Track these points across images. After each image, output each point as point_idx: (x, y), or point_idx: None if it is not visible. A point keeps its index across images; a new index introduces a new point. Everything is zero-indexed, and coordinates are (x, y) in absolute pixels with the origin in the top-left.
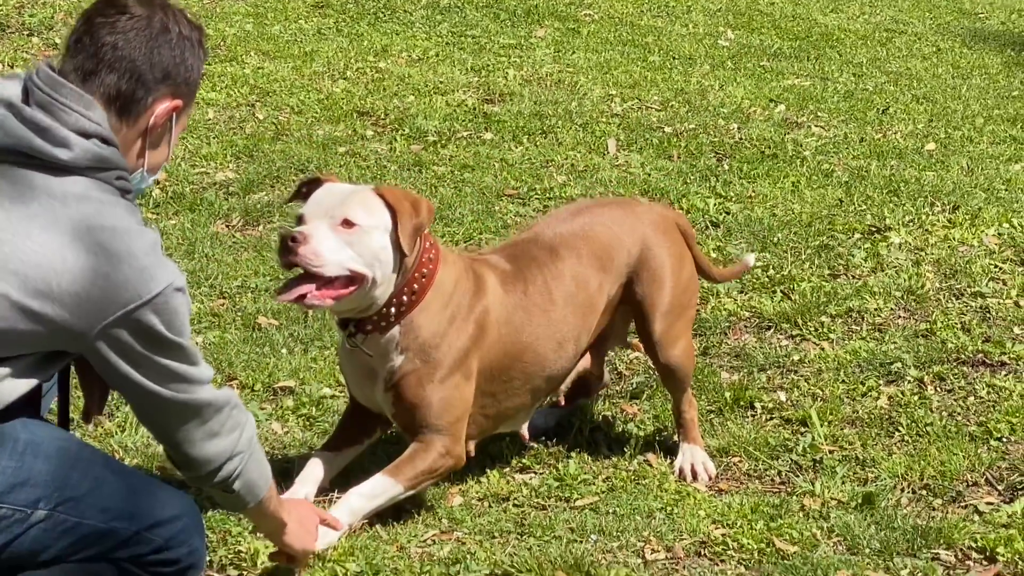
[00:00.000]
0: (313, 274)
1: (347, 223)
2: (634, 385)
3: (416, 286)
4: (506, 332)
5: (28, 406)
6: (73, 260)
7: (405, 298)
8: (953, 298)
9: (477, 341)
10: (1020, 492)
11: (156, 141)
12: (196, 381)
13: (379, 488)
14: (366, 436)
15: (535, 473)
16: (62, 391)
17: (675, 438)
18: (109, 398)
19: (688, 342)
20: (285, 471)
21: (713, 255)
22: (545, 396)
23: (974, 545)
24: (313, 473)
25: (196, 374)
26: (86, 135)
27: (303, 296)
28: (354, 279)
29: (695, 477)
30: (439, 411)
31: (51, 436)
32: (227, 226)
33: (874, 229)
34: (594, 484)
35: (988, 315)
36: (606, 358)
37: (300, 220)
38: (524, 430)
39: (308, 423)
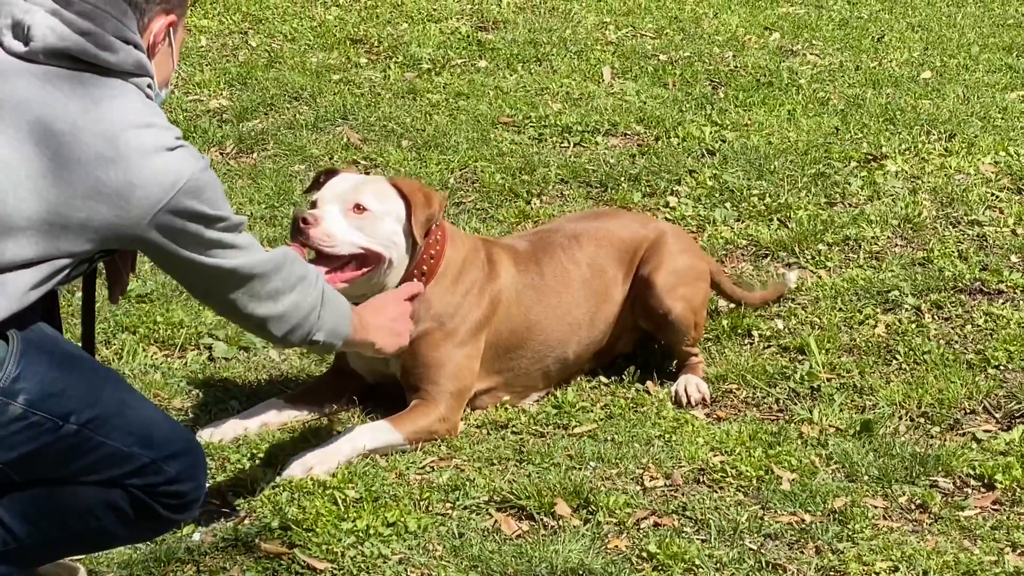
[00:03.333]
0: (325, 255)
1: (359, 208)
2: None
3: (425, 267)
4: (516, 311)
5: (48, 312)
6: (123, 152)
7: (416, 279)
8: (950, 226)
9: (489, 318)
10: (1018, 420)
11: (160, 59)
12: (245, 247)
13: (380, 429)
14: (327, 405)
15: (533, 401)
16: (87, 316)
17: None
18: (133, 273)
19: (692, 308)
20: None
21: (709, 183)
22: (557, 381)
23: (972, 472)
24: (263, 412)
25: (244, 241)
26: (125, 41)
27: None
28: (367, 260)
29: (689, 400)
30: (449, 374)
31: (83, 354)
32: (221, 153)
33: (870, 157)
34: (592, 411)
35: (985, 243)
36: None
37: (313, 206)
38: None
39: (305, 351)
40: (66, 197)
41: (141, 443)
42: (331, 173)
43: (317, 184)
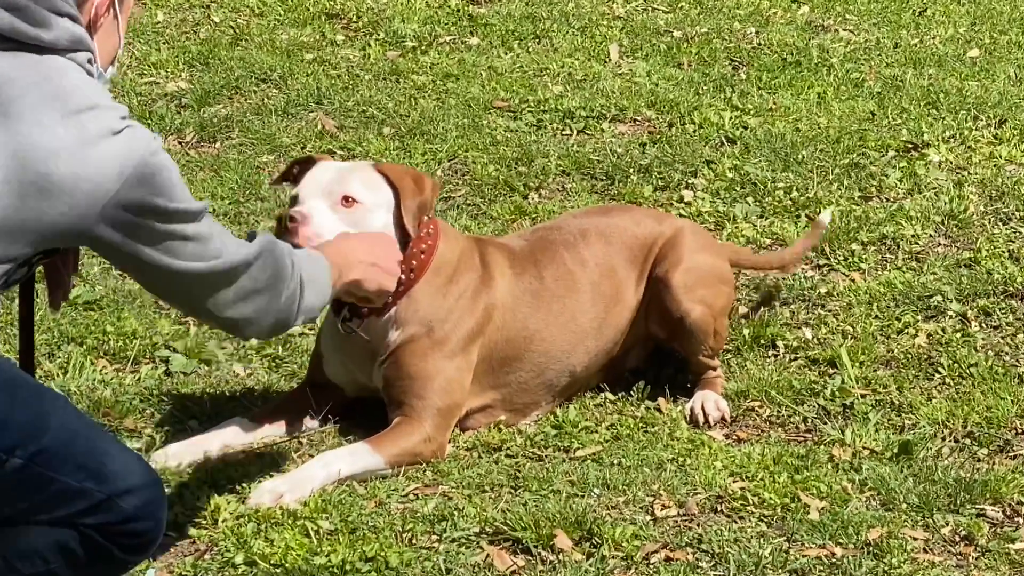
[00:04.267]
0: None
1: (348, 200)
2: None
3: (415, 262)
4: (513, 319)
5: None
6: (64, 141)
7: (403, 276)
8: (1000, 223)
9: (483, 327)
10: None
11: (103, 34)
12: (206, 238)
13: (358, 452)
14: (298, 424)
15: (530, 420)
16: (26, 327)
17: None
18: (76, 275)
19: (712, 312)
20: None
21: (729, 175)
22: (565, 397)
23: None
24: (225, 432)
25: (205, 231)
26: (59, 14)
27: None
28: None
29: (707, 419)
30: (438, 389)
31: (24, 379)
32: (180, 143)
33: (910, 146)
34: (597, 432)
35: None
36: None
37: (295, 201)
38: None
39: (273, 364)
40: (8, 199)
41: (93, 478)
42: (307, 162)
43: (291, 175)
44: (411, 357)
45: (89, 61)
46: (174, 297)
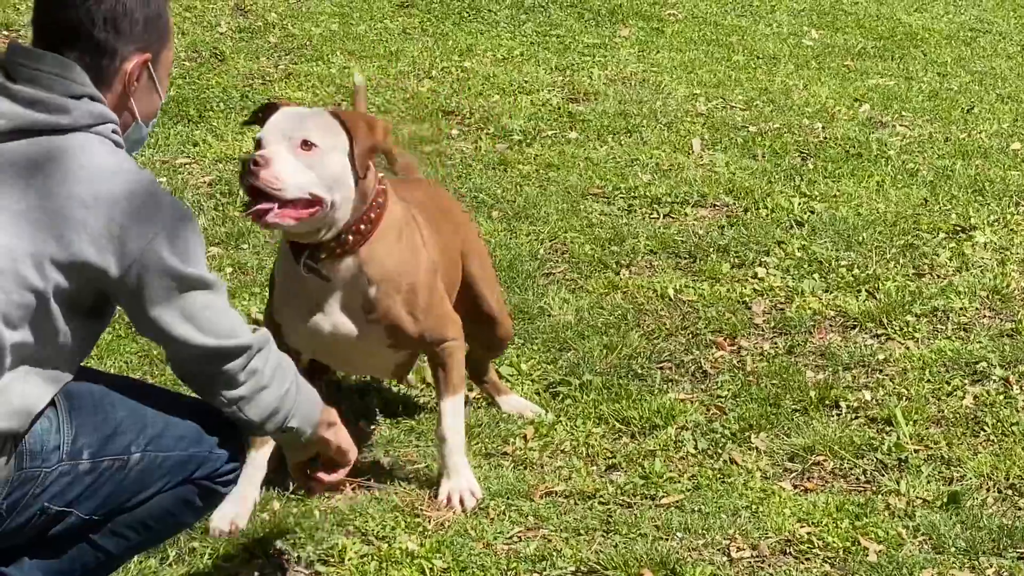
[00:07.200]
0: (274, 197)
1: (306, 144)
2: (719, 384)
3: (373, 215)
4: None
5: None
6: (95, 208)
7: (363, 226)
8: None
9: (433, 269)
10: None
11: (142, 95)
12: (219, 312)
13: (455, 411)
14: None
15: (621, 471)
16: None
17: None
18: None
19: None
20: None
21: (798, 254)
22: None
23: None
24: (252, 473)
25: (220, 304)
26: (77, 97)
27: (265, 213)
28: (314, 202)
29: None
30: (442, 324)
31: (112, 383)
32: None
33: (959, 228)
34: (679, 482)
35: None
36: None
37: (258, 144)
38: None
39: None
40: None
41: (193, 442)
42: (270, 108)
43: (257, 119)
44: (403, 318)
45: (113, 131)
46: (183, 367)
